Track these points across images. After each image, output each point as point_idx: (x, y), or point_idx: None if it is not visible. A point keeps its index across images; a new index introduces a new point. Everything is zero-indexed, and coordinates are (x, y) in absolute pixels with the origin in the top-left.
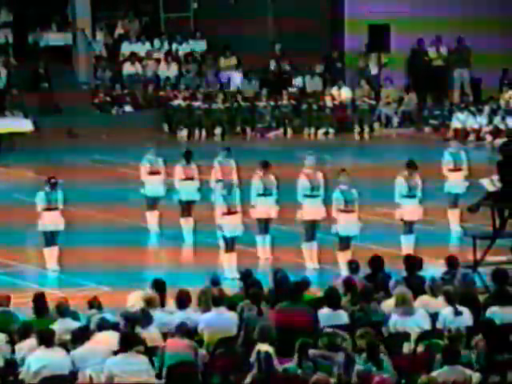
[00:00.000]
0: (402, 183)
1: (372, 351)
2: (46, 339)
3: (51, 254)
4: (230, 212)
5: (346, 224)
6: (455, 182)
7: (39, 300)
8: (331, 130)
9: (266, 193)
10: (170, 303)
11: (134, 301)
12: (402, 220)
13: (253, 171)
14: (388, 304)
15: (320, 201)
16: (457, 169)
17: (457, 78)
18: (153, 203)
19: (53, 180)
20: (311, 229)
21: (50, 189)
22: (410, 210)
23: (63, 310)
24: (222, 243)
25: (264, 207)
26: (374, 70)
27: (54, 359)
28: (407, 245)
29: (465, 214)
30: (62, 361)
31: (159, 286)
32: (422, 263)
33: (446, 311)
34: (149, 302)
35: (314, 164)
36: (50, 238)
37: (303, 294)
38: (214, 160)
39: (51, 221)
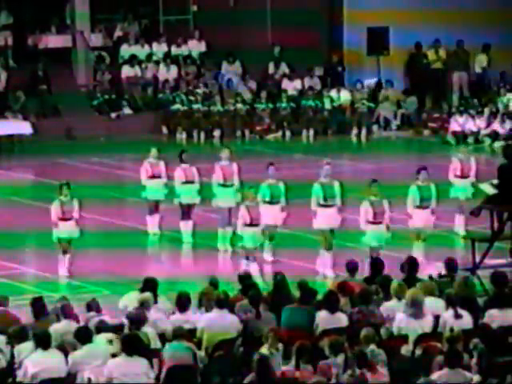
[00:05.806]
0: (415, 193)
1: (360, 360)
2: (43, 342)
3: (64, 261)
4: (252, 224)
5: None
6: (462, 188)
7: (37, 303)
8: (330, 133)
9: (273, 201)
10: (164, 301)
11: (128, 302)
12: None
13: (251, 173)
14: (387, 306)
15: (335, 209)
16: (464, 175)
17: (456, 81)
18: (153, 206)
19: (64, 181)
20: (329, 237)
21: (68, 188)
22: (422, 218)
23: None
24: (241, 251)
25: (271, 214)
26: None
27: (51, 362)
28: (418, 252)
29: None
30: (59, 364)
31: (151, 284)
32: (417, 266)
33: (447, 314)
34: (144, 303)
35: (330, 173)
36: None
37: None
38: (216, 163)
39: (66, 230)
